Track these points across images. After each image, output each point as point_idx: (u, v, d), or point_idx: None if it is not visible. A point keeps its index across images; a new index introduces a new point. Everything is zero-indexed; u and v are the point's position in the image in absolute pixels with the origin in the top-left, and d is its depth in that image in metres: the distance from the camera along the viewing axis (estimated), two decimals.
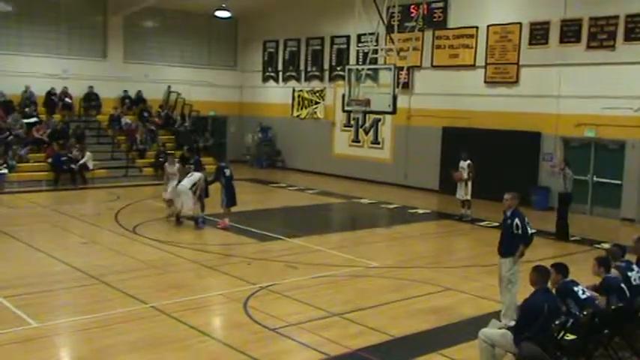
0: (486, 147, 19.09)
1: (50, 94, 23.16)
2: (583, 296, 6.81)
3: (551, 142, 18.41)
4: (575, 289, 6.87)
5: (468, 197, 16.15)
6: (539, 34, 18.49)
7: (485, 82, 19.79)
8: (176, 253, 11.99)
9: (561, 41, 17.94)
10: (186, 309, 8.85)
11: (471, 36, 20.09)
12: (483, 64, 19.80)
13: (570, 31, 17.75)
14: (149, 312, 8.71)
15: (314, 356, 7.38)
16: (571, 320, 6.51)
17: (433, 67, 21.18)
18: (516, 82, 19.07)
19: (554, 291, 6.79)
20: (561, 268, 7.01)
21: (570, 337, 6.52)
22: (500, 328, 7.00)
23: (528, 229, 8.33)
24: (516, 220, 8.38)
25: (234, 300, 9.33)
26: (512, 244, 8.39)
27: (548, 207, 17.80)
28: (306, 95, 26.01)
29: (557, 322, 6.36)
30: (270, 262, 11.73)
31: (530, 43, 18.68)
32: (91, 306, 8.92)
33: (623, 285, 7.26)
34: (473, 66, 20.07)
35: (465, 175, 16.01)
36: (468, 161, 16.12)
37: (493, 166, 18.29)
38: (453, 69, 20.60)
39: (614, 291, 7.16)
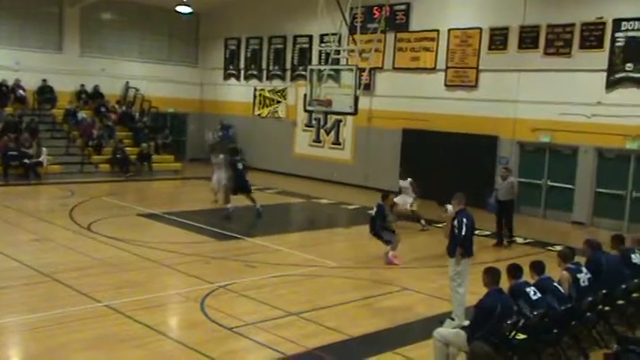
0: (445, 149, 19.40)
1: (1, 85, 22.50)
2: (534, 297, 6.96)
3: (507, 146, 18.78)
4: (527, 289, 7.02)
5: (415, 208, 15.79)
6: (498, 39, 18.84)
7: (445, 85, 20.06)
8: (132, 251, 11.81)
9: (520, 47, 18.32)
10: (142, 308, 8.72)
11: (432, 39, 20.34)
12: (444, 67, 20.07)
13: (528, 38, 18.14)
14: (103, 311, 8.56)
15: (271, 355, 7.37)
16: (522, 320, 6.66)
17: (394, 69, 21.37)
18: (475, 86, 19.39)
19: (509, 291, 6.95)
20: (514, 270, 7.16)
21: (521, 336, 6.67)
22: (454, 328, 7.13)
23: (463, 229, 8.48)
24: (455, 221, 8.58)
25: (191, 299, 9.25)
26: (454, 244, 8.59)
27: None
28: (267, 94, 25.93)
29: (509, 322, 6.50)
30: (229, 261, 11.66)
31: (489, 48, 19.01)
32: (43, 304, 8.72)
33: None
34: (433, 69, 20.32)
35: (410, 203, 15.52)
36: (409, 179, 15.69)
37: (451, 169, 18.57)
38: (414, 71, 20.81)
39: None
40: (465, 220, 8.59)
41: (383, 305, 9.53)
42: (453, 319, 8.40)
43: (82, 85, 24.59)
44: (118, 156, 22.18)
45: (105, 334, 7.81)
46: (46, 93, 23.51)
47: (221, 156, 17.45)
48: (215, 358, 7.15)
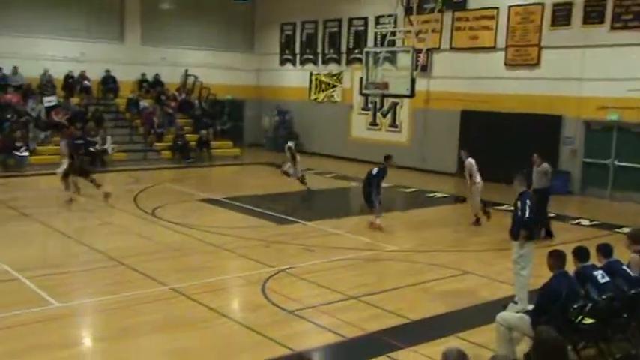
0: (506, 130, 18.94)
1: (68, 77, 23.32)
2: (602, 280, 6.75)
3: (572, 125, 18.19)
4: (595, 273, 6.81)
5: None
6: (561, 15, 18.18)
7: (505, 64, 19.55)
8: (195, 236, 12.09)
9: (584, 22, 17.63)
10: (205, 291, 8.93)
11: (491, 17, 19.82)
12: (504, 46, 19.54)
13: (594, 12, 17.43)
14: (168, 293, 8.81)
15: (331, 338, 7.43)
16: (589, 304, 6.47)
17: (452, 49, 20.95)
18: (537, 64, 18.81)
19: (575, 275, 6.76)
20: (581, 253, 6.96)
21: (588, 321, 6.48)
22: (517, 312, 6.99)
23: (527, 211, 8.27)
24: (519, 203, 8.38)
25: (252, 282, 9.40)
26: (517, 227, 8.40)
27: (567, 192, 17.63)
28: (323, 78, 25.91)
29: (575, 306, 6.33)
30: (288, 244, 11.78)
31: (552, 24, 18.38)
32: (112, 287, 9.04)
33: None
34: (493, 48, 19.82)
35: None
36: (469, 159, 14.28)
37: (512, 150, 18.12)
38: (473, 51, 20.36)
39: None
40: (528, 202, 8.39)
41: (443, 289, 9.44)
42: (516, 303, 8.24)
43: (143, 74, 25.20)
44: (178, 143, 22.69)
45: (170, 316, 8.05)
46: (109, 83, 24.23)
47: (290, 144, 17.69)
48: (277, 340, 7.25)
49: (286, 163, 17.70)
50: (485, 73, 19.93)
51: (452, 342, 7.24)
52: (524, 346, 6.58)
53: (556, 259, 6.57)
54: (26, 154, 19.64)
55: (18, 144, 19.59)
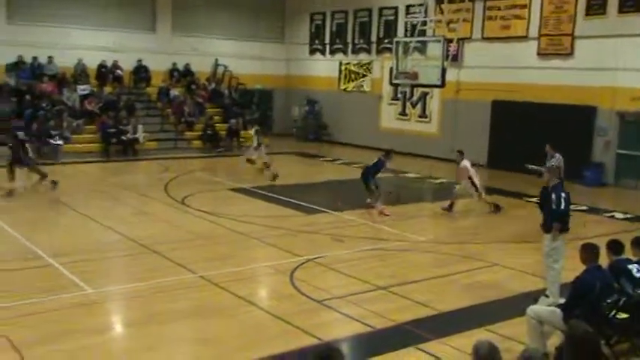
0: (538, 121, 18.65)
1: (101, 66, 23.64)
2: (637, 274, 6.62)
3: (606, 116, 17.83)
4: (630, 267, 6.69)
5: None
6: (596, 3, 17.79)
7: (538, 54, 19.22)
8: (224, 225, 12.18)
9: (620, 11, 17.24)
10: (234, 279, 9.00)
11: (524, 6, 19.49)
12: (536, 35, 19.21)
13: (630, 0, 17.00)
14: (198, 281, 8.90)
15: (359, 328, 7.43)
16: (623, 299, 6.36)
17: (484, 38, 20.68)
18: (571, 53, 18.46)
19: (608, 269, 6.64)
20: (615, 246, 6.83)
21: (623, 315, 6.37)
22: (549, 305, 6.90)
23: (562, 204, 8.14)
24: (553, 195, 8.26)
25: (280, 271, 9.45)
26: (551, 219, 8.26)
27: (601, 183, 17.31)
28: (353, 68, 25.81)
29: (609, 301, 6.22)
30: (316, 234, 11.80)
31: (586, 13, 18.01)
32: (142, 274, 9.17)
33: None
34: (525, 37, 19.50)
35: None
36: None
37: (544, 141, 17.81)
38: (505, 40, 20.06)
39: None
40: (562, 194, 8.25)
41: (473, 281, 9.37)
42: (547, 297, 8.13)
43: (174, 64, 25.41)
44: (208, 132, 22.86)
45: (200, 303, 8.14)
46: (141, 72, 24.50)
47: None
48: (305, 330, 7.28)
49: (250, 149, 17.98)
50: (517, 63, 19.63)
51: (481, 334, 7.18)
52: (555, 340, 6.50)
53: (589, 252, 6.45)
54: (60, 142, 20.00)
55: (53, 132, 19.96)
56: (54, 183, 14.69)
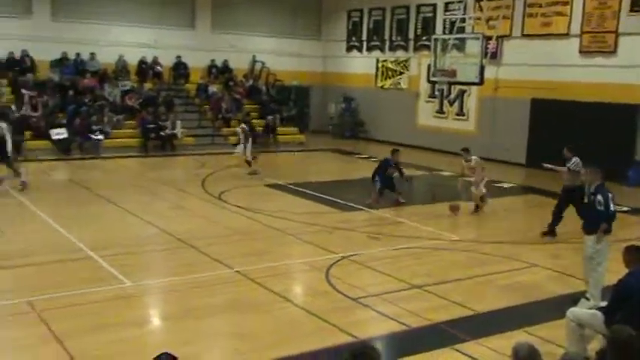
0: (579, 120, 18.26)
1: (142, 63, 24.02)
2: None
3: None
4: None
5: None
6: None
7: (580, 51, 18.81)
8: (260, 220, 12.26)
9: None
10: (269, 275, 9.05)
11: (566, 3, 19.08)
12: (578, 32, 18.80)
13: None
14: (234, 276, 8.98)
15: (394, 327, 7.40)
16: None
17: (524, 35, 20.32)
18: (614, 51, 18.01)
19: None
20: None
21: None
22: (590, 309, 6.75)
23: (611, 205, 7.96)
24: (599, 196, 8.06)
25: (315, 268, 9.46)
26: (595, 221, 8.08)
27: None
28: (390, 65, 25.67)
29: None
30: (352, 232, 11.78)
31: (631, 10, 17.53)
32: (180, 268, 9.29)
33: None
34: (567, 35, 19.10)
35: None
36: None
37: (586, 140, 17.44)
38: (545, 38, 19.68)
39: None
40: (609, 194, 8.07)
41: (510, 281, 9.23)
42: (587, 299, 7.97)
43: (213, 60, 25.65)
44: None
45: (236, 298, 8.22)
46: (180, 69, 24.81)
47: None
48: (340, 327, 7.28)
49: (238, 145, 17.87)
50: (557, 61, 19.24)
51: (520, 336, 7.06)
52: (595, 345, 6.36)
53: (633, 254, 6.29)
54: (101, 137, 20.40)
55: (94, 127, 20.37)
56: (24, 184, 14.03)
